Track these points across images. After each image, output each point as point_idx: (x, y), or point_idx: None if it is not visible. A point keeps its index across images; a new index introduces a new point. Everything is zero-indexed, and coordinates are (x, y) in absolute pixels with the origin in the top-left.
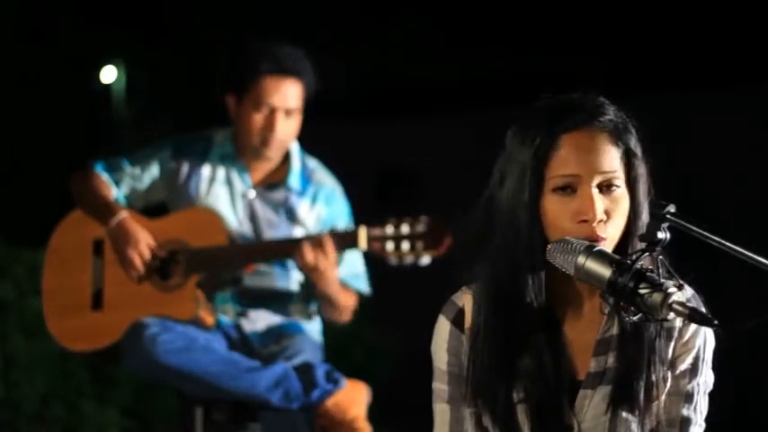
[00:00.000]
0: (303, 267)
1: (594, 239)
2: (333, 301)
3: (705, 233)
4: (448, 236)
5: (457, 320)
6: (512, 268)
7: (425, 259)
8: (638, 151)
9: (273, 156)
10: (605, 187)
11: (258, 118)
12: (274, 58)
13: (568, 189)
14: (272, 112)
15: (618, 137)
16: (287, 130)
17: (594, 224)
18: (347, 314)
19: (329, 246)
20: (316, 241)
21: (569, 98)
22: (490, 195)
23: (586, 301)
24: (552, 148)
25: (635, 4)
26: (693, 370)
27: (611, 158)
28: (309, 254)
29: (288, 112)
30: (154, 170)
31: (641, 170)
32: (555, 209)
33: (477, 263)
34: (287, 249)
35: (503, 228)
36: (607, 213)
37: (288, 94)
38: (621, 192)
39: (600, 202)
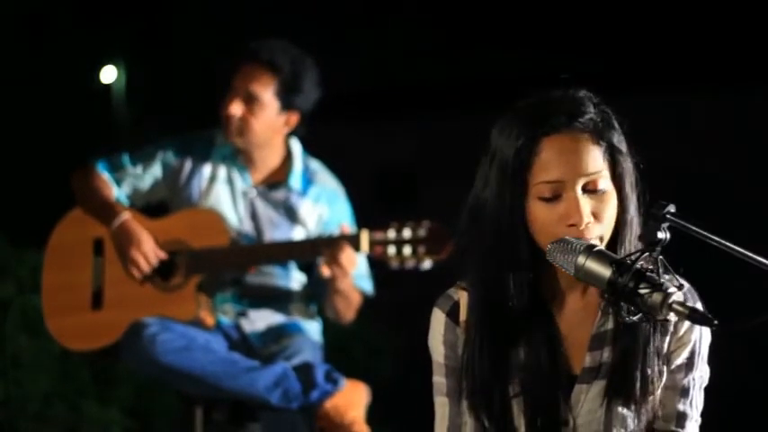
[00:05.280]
0: (335, 266)
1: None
2: (349, 299)
3: (705, 233)
4: (449, 240)
5: (452, 313)
6: (497, 272)
7: (427, 264)
8: (623, 146)
9: (240, 144)
10: (590, 188)
11: (224, 103)
12: (251, 48)
13: (555, 197)
14: (234, 93)
15: (599, 135)
16: (244, 115)
17: (582, 227)
18: (354, 313)
19: (353, 245)
20: (353, 241)
21: (548, 98)
22: (475, 198)
23: (581, 296)
24: (533, 152)
25: (637, 3)
26: (689, 364)
27: (594, 159)
28: (347, 253)
29: (249, 98)
30: (156, 169)
31: (627, 165)
32: (542, 215)
33: (465, 264)
34: (314, 248)
35: (487, 231)
36: (595, 214)
37: (251, 80)
38: (608, 190)
39: (586, 204)
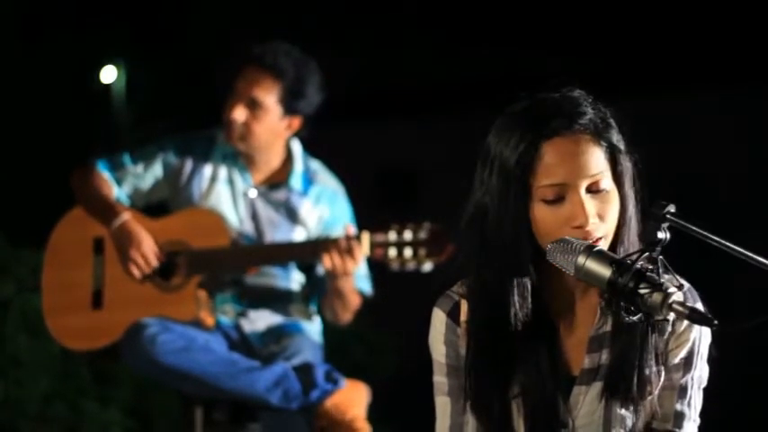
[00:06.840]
0: (333, 269)
1: (592, 241)
2: (347, 301)
3: (705, 233)
4: (450, 243)
5: (453, 313)
6: (499, 277)
7: (427, 266)
8: (621, 145)
9: (242, 148)
10: (594, 188)
11: (227, 108)
12: (254, 52)
13: (558, 199)
14: (237, 98)
15: (599, 135)
16: (247, 121)
17: (588, 228)
18: (352, 314)
19: (358, 249)
20: (348, 244)
21: (545, 100)
22: (475, 204)
23: (580, 298)
24: (535, 156)
25: (637, 4)
26: (687, 364)
27: (596, 160)
28: (341, 256)
29: (252, 103)
30: (157, 169)
31: (626, 163)
32: (546, 218)
33: (466, 267)
34: (315, 250)
35: (490, 236)
36: (599, 215)
37: (255, 85)
38: (610, 189)
39: (591, 205)
